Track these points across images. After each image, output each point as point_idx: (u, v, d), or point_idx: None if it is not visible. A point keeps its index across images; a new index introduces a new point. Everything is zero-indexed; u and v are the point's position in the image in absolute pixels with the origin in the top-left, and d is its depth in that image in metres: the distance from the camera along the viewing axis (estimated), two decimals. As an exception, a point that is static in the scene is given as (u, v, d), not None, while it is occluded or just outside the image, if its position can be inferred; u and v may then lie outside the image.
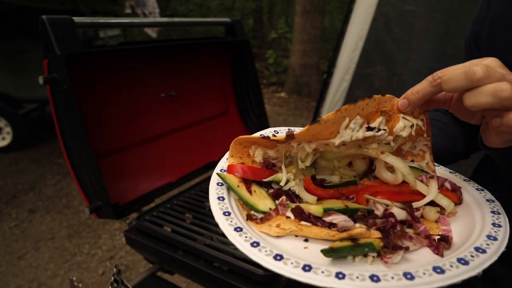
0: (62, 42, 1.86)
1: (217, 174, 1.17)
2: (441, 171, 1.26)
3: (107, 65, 2.31)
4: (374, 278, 0.82)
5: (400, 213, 1.04)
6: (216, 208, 1.05)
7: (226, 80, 3.18)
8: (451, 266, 0.85)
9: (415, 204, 1.10)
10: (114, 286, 1.98)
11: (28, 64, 8.82)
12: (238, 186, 1.13)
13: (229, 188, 1.14)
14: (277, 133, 1.45)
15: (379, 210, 1.07)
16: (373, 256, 0.93)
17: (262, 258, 0.88)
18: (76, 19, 1.97)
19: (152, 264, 2.32)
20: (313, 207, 1.06)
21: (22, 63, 8.88)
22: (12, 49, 8.91)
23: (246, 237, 0.95)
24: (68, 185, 7.31)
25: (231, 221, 1.00)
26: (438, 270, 0.83)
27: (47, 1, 7.85)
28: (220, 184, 1.15)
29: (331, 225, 1.03)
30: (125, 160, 2.43)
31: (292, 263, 0.86)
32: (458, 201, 1.13)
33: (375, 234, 0.96)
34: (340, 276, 0.82)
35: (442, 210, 1.11)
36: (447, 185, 1.17)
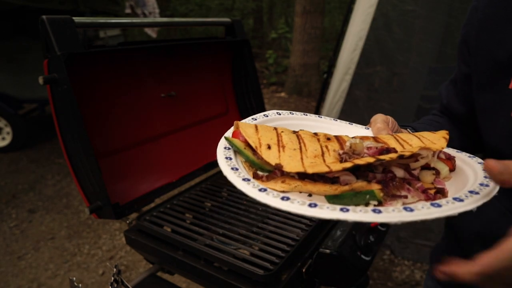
0: (62, 42, 1.86)
1: (225, 137, 1.25)
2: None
3: (107, 65, 2.31)
4: (376, 211, 0.88)
5: (398, 171, 1.10)
6: (224, 165, 1.10)
7: (226, 80, 3.19)
8: (447, 202, 0.92)
9: (412, 165, 1.14)
10: (114, 286, 1.99)
11: (28, 64, 8.82)
12: (245, 148, 1.18)
13: (237, 151, 1.20)
14: (267, 116, 1.48)
15: (378, 170, 1.11)
16: (374, 205, 0.98)
17: (270, 199, 0.94)
18: (76, 19, 1.96)
19: (152, 264, 2.33)
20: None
21: (22, 63, 8.89)
22: (12, 49, 8.91)
23: (253, 185, 0.99)
24: (68, 185, 7.32)
25: (239, 174, 1.05)
26: (436, 205, 0.90)
27: (47, 1, 7.85)
28: (227, 148, 1.21)
29: (334, 181, 1.07)
30: (125, 160, 2.43)
31: (298, 202, 0.92)
32: (452, 167, 1.19)
33: (375, 187, 1.02)
34: (344, 210, 0.89)
35: (437, 175, 1.15)
36: (442, 155, 1.21)
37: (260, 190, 0.97)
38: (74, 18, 1.95)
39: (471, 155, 1.24)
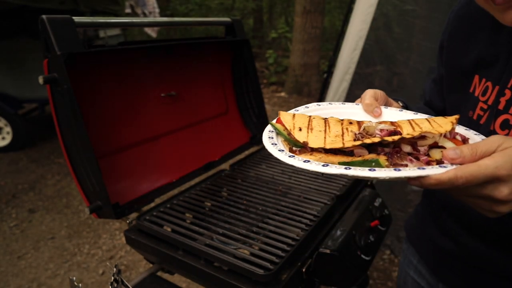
0: (62, 41, 1.87)
1: (270, 123, 1.48)
2: (458, 129, 1.40)
3: (107, 65, 2.31)
4: (372, 170, 1.06)
5: (405, 147, 1.24)
6: (266, 141, 1.34)
7: (226, 80, 3.19)
8: (452, 164, 1.05)
9: (420, 143, 1.26)
10: (114, 286, 1.98)
11: (28, 63, 8.83)
12: (284, 130, 1.41)
13: (277, 132, 1.43)
14: (307, 107, 1.68)
15: (389, 146, 1.26)
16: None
17: (294, 162, 1.16)
18: (76, 18, 1.96)
19: (152, 264, 2.32)
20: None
21: (22, 63, 8.89)
22: (12, 48, 8.91)
23: (285, 153, 1.23)
24: (68, 185, 7.33)
25: (276, 147, 1.29)
26: (442, 166, 1.04)
27: (47, 1, 7.85)
28: (271, 131, 1.44)
29: (350, 153, 1.27)
30: (125, 160, 2.44)
31: (315, 163, 1.14)
32: None
33: (382, 158, 1.17)
34: (347, 168, 1.08)
35: None
36: (458, 137, 1.30)
37: (289, 156, 1.20)
38: (74, 18, 1.95)
39: (477, 133, 1.34)
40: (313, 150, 1.31)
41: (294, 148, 1.36)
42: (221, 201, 2.51)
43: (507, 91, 1.45)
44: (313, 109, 1.66)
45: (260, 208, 2.38)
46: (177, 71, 2.74)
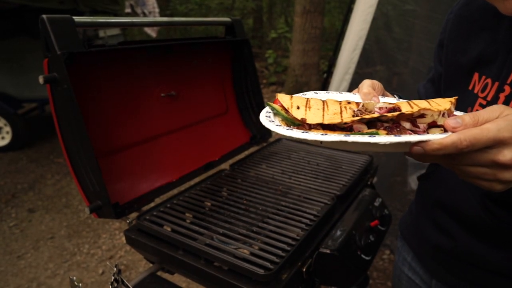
0: (62, 41, 1.87)
1: (267, 103, 1.48)
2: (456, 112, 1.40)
3: (107, 64, 2.31)
4: (372, 136, 1.05)
5: (405, 123, 1.24)
6: (264, 119, 1.34)
7: (226, 79, 3.19)
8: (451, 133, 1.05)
9: (420, 121, 1.26)
10: (114, 286, 1.99)
11: (28, 63, 8.84)
12: (281, 109, 1.42)
13: (275, 112, 1.44)
14: (305, 95, 1.66)
15: (389, 123, 1.25)
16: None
17: (292, 133, 1.16)
18: (76, 18, 1.97)
19: (152, 263, 2.32)
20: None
21: (21, 62, 8.90)
22: (12, 48, 8.92)
23: (282, 127, 1.25)
24: (68, 185, 7.34)
25: (273, 123, 1.29)
26: (444, 134, 1.05)
27: (46, 0, 7.85)
28: (268, 111, 1.44)
29: (349, 129, 1.27)
30: (125, 159, 2.44)
31: (314, 133, 1.14)
32: None
33: (382, 132, 1.18)
34: (347, 135, 1.07)
35: (445, 131, 1.21)
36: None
37: (287, 129, 1.22)
38: (74, 17, 1.95)
39: None
40: (311, 127, 1.32)
41: (292, 127, 1.35)
42: (221, 201, 2.50)
43: (506, 87, 1.49)
44: (311, 96, 1.63)
45: (260, 208, 2.38)
46: (177, 71, 2.74)
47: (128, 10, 10.59)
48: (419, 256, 2.13)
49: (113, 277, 2.01)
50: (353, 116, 1.29)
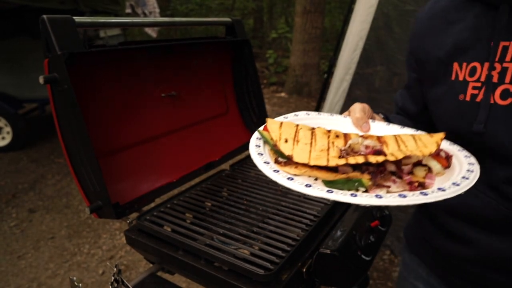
0: (62, 41, 1.87)
1: (258, 130, 1.53)
2: (443, 144, 1.50)
3: (107, 65, 2.32)
4: (353, 195, 1.12)
5: (390, 166, 1.29)
6: (253, 150, 1.40)
7: (226, 80, 3.19)
8: (433, 192, 1.13)
9: (405, 162, 1.33)
10: (115, 286, 2.00)
11: (28, 63, 8.85)
12: (271, 139, 1.45)
13: (265, 141, 1.48)
14: (297, 115, 1.75)
15: (374, 163, 1.30)
16: (363, 191, 1.20)
17: (278, 178, 1.21)
18: (77, 18, 1.96)
19: (152, 264, 2.33)
20: None
21: (22, 62, 8.91)
22: (12, 48, 8.93)
23: (270, 167, 1.29)
24: (68, 185, 7.35)
25: (263, 159, 1.34)
26: (423, 194, 1.12)
27: (47, 0, 7.86)
28: (258, 138, 1.50)
29: (335, 170, 1.31)
30: (125, 159, 2.44)
31: (298, 182, 1.19)
32: (447, 165, 1.37)
33: (366, 177, 1.23)
34: (329, 191, 1.14)
35: (430, 171, 1.34)
36: (442, 153, 1.40)
37: (274, 171, 1.26)
38: (74, 17, 1.95)
39: (461, 148, 1.46)
40: (299, 163, 1.34)
41: (279, 159, 1.39)
42: (221, 201, 2.51)
43: (497, 65, 1.58)
44: (302, 117, 1.72)
45: (260, 208, 2.38)
46: (177, 71, 2.75)
47: (128, 10, 10.60)
48: (436, 270, 2.13)
49: (113, 277, 2.01)
50: (340, 155, 1.34)
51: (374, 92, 5.75)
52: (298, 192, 1.16)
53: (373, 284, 4.94)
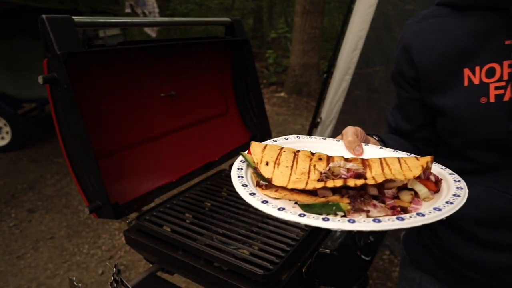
0: (61, 41, 1.87)
1: (240, 153, 1.51)
2: (434, 167, 1.45)
3: (106, 64, 2.32)
4: (325, 219, 1.09)
5: (372, 189, 1.26)
6: (234, 173, 1.39)
7: (226, 80, 3.19)
8: (410, 217, 1.08)
9: (388, 185, 1.29)
10: (114, 286, 2.00)
11: (27, 63, 8.85)
12: (253, 162, 1.42)
13: (248, 163, 1.46)
14: (287, 139, 1.70)
15: (354, 188, 1.27)
16: (341, 216, 1.17)
17: (253, 201, 1.18)
18: (76, 18, 1.97)
19: (152, 264, 2.33)
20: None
21: (21, 62, 8.91)
22: (12, 48, 8.93)
23: (247, 190, 1.26)
24: (68, 185, 7.35)
25: (242, 181, 1.33)
26: (400, 219, 1.07)
27: (47, 0, 7.86)
28: (242, 161, 1.48)
29: (314, 193, 1.28)
30: (125, 159, 2.44)
31: (272, 205, 1.15)
32: (436, 189, 1.31)
33: (345, 201, 1.20)
34: (301, 215, 1.10)
35: (416, 195, 1.29)
36: (432, 177, 1.35)
37: (250, 194, 1.23)
38: (74, 17, 1.95)
39: (452, 172, 1.40)
40: (279, 187, 1.31)
41: (261, 183, 1.38)
42: (220, 201, 2.51)
43: None
44: (292, 141, 1.69)
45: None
46: (177, 71, 2.75)
47: (128, 10, 10.61)
48: (451, 284, 2.08)
49: (112, 278, 2.02)
50: (319, 179, 1.31)
51: (373, 92, 5.72)
52: (272, 216, 1.15)
53: (373, 284, 4.94)
